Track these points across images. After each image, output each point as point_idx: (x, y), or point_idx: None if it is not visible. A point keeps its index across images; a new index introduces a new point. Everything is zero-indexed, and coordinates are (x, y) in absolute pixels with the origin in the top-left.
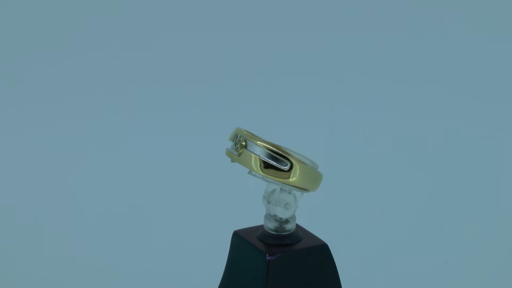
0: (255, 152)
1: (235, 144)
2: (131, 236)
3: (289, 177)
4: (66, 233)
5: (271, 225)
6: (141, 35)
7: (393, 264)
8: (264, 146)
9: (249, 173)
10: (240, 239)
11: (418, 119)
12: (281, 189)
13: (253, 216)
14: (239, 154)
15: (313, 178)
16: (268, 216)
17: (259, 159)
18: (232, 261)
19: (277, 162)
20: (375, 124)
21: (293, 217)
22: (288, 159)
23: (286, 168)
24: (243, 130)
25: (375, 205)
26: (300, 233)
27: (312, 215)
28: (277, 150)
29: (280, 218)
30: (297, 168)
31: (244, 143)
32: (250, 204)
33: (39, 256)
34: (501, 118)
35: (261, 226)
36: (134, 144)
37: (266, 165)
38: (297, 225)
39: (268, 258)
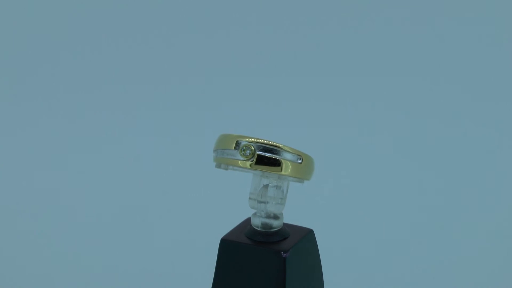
0: (267, 154)
1: (243, 151)
2: (129, 236)
3: (303, 171)
4: (63, 233)
5: (264, 224)
6: (138, 35)
7: (393, 265)
8: (277, 146)
9: (261, 175)
10: (234, 245)
11: (417, 117)
12: (276, 185)
13: (239, 215)
14: (252, 160)
15: (313, 167)
16: (264, 215)
17: (276, 159)
18: (228, 267)
19: (293, 158)
20: (374, 123)
21: (281, 213)
22: (298, 154)
23: (300, 162)
24: (243, 136)
25: (373, 204)
26: (285, 227)
27: (309, 214)
28: (289, 148)
29: (269, 214)
30: (305, 160)
31: (252, 148)
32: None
33: (39, 256)
34: (502, 118)
35: (244, 227)
36: (132, 144)
37: (284, 164)
38: None
39: (284, 255)
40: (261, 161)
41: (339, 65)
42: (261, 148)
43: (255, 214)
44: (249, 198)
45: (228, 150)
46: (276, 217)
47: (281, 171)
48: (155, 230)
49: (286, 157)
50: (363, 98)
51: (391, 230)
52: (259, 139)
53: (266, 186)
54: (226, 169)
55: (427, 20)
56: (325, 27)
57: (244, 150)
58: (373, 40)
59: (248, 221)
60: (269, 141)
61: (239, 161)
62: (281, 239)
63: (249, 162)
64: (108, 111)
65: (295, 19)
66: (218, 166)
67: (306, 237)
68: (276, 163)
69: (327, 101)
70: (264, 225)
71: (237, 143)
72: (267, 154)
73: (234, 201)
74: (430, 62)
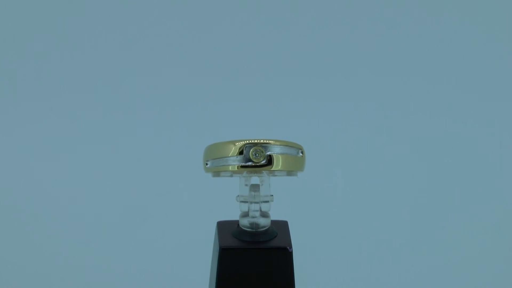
0: (277, 153)
1: (254, 155)
2: (128, 236)
3: (304, 163)
4: (62, 233)
5: (258, 224)
6: (137, 34)
7: (393, 266)
8: (281, 142)
9: (273, 175)
10: (237, 251)
11: (417, 117)
12: (268, 183)
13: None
14: (265, 161)
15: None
16: (258, 215)
17: (286, 156)
18: (232, 274)
19: (296, 153)
20: (373, 122)
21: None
22: (299, 147)
23: (301, 155)
24: (247, 140)
25: (371, 203)
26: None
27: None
28: (292, 143)
29: (260, 213)
30: (303, 152)
31: (262, 149)
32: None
33: (37, 256)
34: (502, 117)
35: (228, 231)
36: (131, 143)
37: (292, 159)
38: None
39: (290, 250)
40: (273, 160)
41: (331, 65)
42: (269, 148)
43: (245, 215)
44: (241, 202)
45: (232, 157)
46: (266, 215)
47: (291, 168)
48: (154, 230)
49: (291, 153)
50: (359, 98)
51: (388, 229)
52: (267, 140)
53: (255, 186)
54: (231, 176)
55: (426, 20)
56: (320, 25)
57: (255, 153)
58: (372, 40)
59: (228, 224)
60: (276, 140)
61: (250, 166)
62: (275, 235)
63: (261, 164)
64: (106, 111)
65: (291, 18)
66: (217, 175)
67: (288, 229)
68: (285, 160)
69: (314, 100)
70: (258, 225)
71: (245, 148)
72: (277, 153)
73: (226, 201)
74: (430, 62)
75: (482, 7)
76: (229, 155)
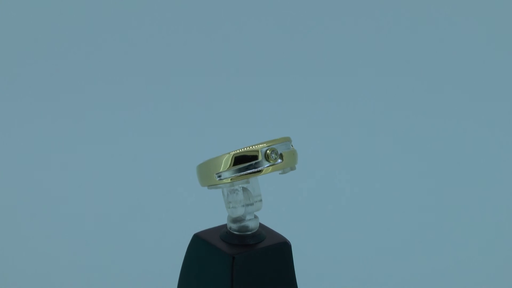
0: (286, 150)
1: (272, 155)
2: (128, 237)
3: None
4: (61, 233)
5: (254, 225)
6: (135, 33)
7: (393, 266)
8: (283, 140)
9: (282, 173)
10: (247, 257)
11: (416, 117)
12: (257, 183)
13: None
14: (281, 160)
15: None
16: (252, 218)
17: (294, 152)
18: (245, 280)
19: (291, 147)
20: (373, 123)
21: None
22: (290, 140)
23: (293, 148)
24: (265, 142)
25: (372, 204)
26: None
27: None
28: (287, 138)
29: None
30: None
31: (276, 149)
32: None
33: (34, 256)
34: (502, 117)
35: (219, 237)
36: (130, 144)
37: (294, 154)
38: None
39: (289, 243)
40: (285, 158)
41: (328, 64)
42: (279, 147)
43: (239, 220)
44: (236, 207)
45: (247, 164)
46: (255, 216)
47: (296, 162)
48: (154, 230)
49: (290, 148)
50: (357, 97)
51: (387, 230)
52: (273, 140)
53: (246, 188)
54: (248, 182)
55: (426, 20)
56: (320, 26)
57: (270, 153)
58: (372, 40)
59: (210, 233)
60: (280, 138)
61: (265, 168)
62: (265, 233)
63: (278, 163)
64: (105, 111)
65: (289, 19)
66: (232, 185)
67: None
68: (293, 156)
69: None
70: (249, 227)
71: (261, 151)
72: (284, 151)
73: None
74: (430, 62)
75: (481, 8)
76: (246, 162)
